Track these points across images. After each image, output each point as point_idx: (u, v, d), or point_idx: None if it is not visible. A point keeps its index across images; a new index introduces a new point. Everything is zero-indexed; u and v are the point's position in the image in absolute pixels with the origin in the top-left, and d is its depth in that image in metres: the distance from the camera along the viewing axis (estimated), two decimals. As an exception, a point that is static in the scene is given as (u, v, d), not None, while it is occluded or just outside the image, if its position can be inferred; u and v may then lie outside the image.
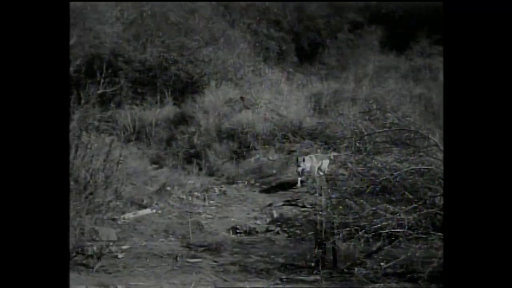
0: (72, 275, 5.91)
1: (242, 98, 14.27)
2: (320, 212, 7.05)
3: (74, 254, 6.39)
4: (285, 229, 7.85)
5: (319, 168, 10.63)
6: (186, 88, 15.27)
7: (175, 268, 6.40)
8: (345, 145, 7.91)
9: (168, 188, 9.33)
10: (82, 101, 8.85)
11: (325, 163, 10.74)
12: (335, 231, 6.40)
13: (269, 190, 10.38)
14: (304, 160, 10.43)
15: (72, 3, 5.50)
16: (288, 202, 9.34)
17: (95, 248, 6.59)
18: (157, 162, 12.14)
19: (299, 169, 10.44)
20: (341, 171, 7.53)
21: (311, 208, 8.24)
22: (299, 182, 10.50)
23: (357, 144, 7.25)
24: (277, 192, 10.22)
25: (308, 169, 10.48)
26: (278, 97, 14.15)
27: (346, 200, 6.69)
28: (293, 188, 10.33)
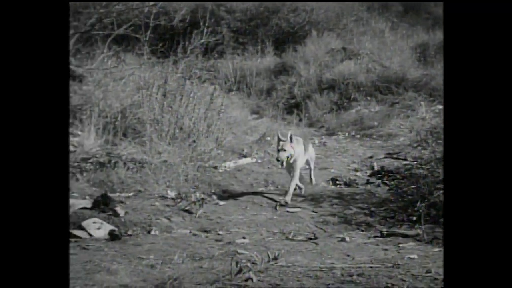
0: (177, 220, 6.14)
1: (344, 48, 14.04)
2: (424, 166, 6.87)
3: (178, 200, 6.61)
4: (386, 182, 7.72)
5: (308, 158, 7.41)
6: (287, 38, 15.20)
7: (275, 217, 6.46)
8: (451, 97, 7.58)
9: (268, 138, 9.38)
10: (188, 51, 9.03)
11: (311, 148, 7.61)
12: (439, 185, 6.23)
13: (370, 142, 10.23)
14: (291, 141, 6.77)
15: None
16: (389, 155, 9.16)
17: (197, 194, 6.77)
18: (257, 112, 12.25)
19: (283, 155, 6.70)
20: (446, 124, 7.23)
21: (414, 161, 8.04)
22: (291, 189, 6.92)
23: (465, 96, 6.94)
24: (378, 144, 10.05)
25: (296, 156, 6.87)
26: (381, 47, 13.80)
27: (451, 154, 6.46)
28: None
